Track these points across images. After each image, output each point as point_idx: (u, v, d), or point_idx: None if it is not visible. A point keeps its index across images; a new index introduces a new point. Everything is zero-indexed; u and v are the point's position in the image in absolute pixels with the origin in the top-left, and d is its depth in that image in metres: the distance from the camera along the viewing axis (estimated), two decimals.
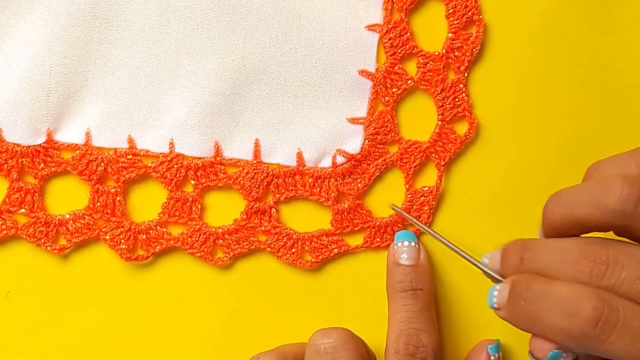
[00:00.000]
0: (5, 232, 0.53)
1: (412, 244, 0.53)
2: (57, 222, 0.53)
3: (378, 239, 0.54)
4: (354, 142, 0.54)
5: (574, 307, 0.39)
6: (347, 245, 0.54)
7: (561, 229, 0.42)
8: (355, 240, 0.54)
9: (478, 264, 0.46)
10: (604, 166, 0.43)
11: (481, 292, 0.47)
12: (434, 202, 0.54)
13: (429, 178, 0.54)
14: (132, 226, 0.54)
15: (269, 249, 0.54)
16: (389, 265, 0.53)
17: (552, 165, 0.54)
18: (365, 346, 0.50)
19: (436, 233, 0.51)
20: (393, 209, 0.54)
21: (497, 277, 0.44)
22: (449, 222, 0.54)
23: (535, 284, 0.41)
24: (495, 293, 0.43)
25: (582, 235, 0.42)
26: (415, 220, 0.53)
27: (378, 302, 0.53)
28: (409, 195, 0.54)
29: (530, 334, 0.42)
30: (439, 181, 0.54)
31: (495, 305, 0.43)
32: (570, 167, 0.53)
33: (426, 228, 0.52)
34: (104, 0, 0.52)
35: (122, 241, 0.53)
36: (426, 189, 0.54)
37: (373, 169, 0.54)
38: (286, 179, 0.54)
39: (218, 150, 0.54)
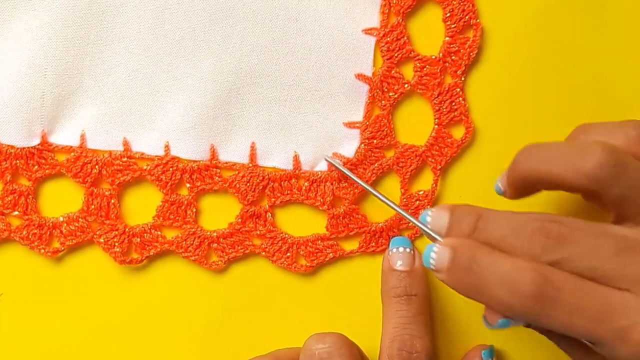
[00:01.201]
0: None
1: (407, 250, 0.52)
2: (50, 224, 0.53)
3: (373, 244, 0.54)
4: (350, 146, 0.54)
5: (515, 282, 0.40)
6: (342, 250, 0.54)
7: (529, 182, 0.43)
8: (351, 245, 0.54)
9: (417, 223, 0.45)
10: (591, 130, 0.44)
11: None
12: (429, 206, 0.54)
13: (425, 182, 0.54)
14: (127, 229, 0.53)
15: (263, 253, 0.54)
16: (384, 270, 0.52)
17: None
18: (359, 351, 0.50)
19: (371, 187, 0.51)
20: (326, 159, 0.53)
21: (437, 237, 0.44)
22: None
23: (481, 254, 0.41)
24: (433, 255, 0.43)
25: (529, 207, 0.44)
26: (348, 171, 0.52)
27: (373, 307, 0.53)
28: (404, 200, 0.54)
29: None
30: (434, 185, 0.54)
31: (433, 267, 0.43)
32: None
33: (359, 181, 0.52)
34: (99, 2, 0.52)
35: (116, 244, 0.53)
36: (421, 192, 0.54)
37: (369, 174, 0.54)
38: (282, 183, 0.54)
39: (214, 154, 0.53)
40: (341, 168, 0.52)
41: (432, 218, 0.44)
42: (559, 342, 0.44)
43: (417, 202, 0.54)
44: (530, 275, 0.40)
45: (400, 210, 0.49)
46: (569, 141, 0.44)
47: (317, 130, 0.54)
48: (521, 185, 0.44)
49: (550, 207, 0.47)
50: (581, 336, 0.40)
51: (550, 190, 0.43)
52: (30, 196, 0.53)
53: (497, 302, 0.41)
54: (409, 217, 0.47)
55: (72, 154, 0.53)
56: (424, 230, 0.44)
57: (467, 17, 0.53)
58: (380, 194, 0.50)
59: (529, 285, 0.40)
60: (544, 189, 0.43)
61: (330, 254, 0.54)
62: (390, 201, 0.49)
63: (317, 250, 0.54)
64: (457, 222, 0.43)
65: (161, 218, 0.53)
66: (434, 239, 0.44)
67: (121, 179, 0.53)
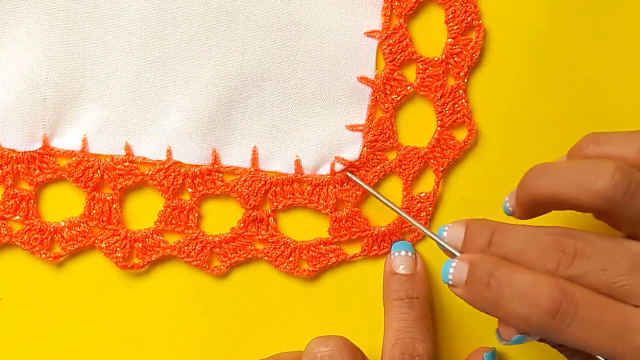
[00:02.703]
0: None
1: (409, 254, 0.52)
2: (52, 229, 0.53)
3: (375, 248, 0.53)
4: (353, 149, 0.53)
5: (533, 297, 0.39)
6: (344, 254, 0.53)
7: (539, 202, 0.42)
8: (353, 249, 0.54)
9: (434, 237, 0.45)
10: (602, 140, 0.42)
11: None
12: (430, 208, 0.53)
13: (427, 184, 0.54)
14: (128, 234, 0.53)
15: (266, 257, 0.53)
16: (386, 274, 0.52)
17: None
18: (361, 355, 0.49)
19: (382, 196, 0.51)
20: (348, 175, 0.53)
21: (455, 252, 0.43)
22: None
23: (498, 269, 0.41)
24: (451, 270, 0.42)
25: (547, 221, 0.43)
26: (369, 187, 0.52)
27: (375, 310, 0.53)
28: (406, 202, 0.53)
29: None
30: (436, 187, 0.53)
31: (451, 282, 0.43)
32: None
33: (377, 193, 0.52)
34: (102, 6, 0.52)
35: (118, 249, 0.53)
36: (423, 194, 0.53)
37: (372, 176, 0.53)
38: (284, 187, 0.53)
39: (216, 158, 0.53)
40: (368, 188, 0.52)
41: (448, 233, 0.44)
42: (571, 357, 0.44)
43: (419, 204, 0.53)
44: (549, 290, 0.39)
45: (422, 228, 0.48)
46: (577, 151, 0.43)
47: (320, 134, 0.53)
48: (531, 206, 0.43)
49: (561, 219, 0.47)
50: (598, 353, 0.40)
51: (561, 210, 0.42)
52: (32, 201, 0.53)
53: (514, 317, 0.40)
54: (427, 232, 0.47)
55: (74, 158, 0.53)
56: (441, 246, 0.44)
57: (469, 19, 0.53)
58: (406, 213, 0.51)
59: (547, 300, 0.39)
60: (555, 209, 0.43)
61: (333, 259, 0.53)
62: (416, 221, 0.49)
63: (319, 255, 0.53)
64: (472, 236, 0.43)
65: (163, 223, 0.53)
66: (452, 255, 0.43)
67: (123, 183, 0.53)
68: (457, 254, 0.43)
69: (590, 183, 0.40)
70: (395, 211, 0.50)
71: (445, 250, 0.44)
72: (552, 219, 0.44)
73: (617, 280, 0.40)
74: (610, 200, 0.39)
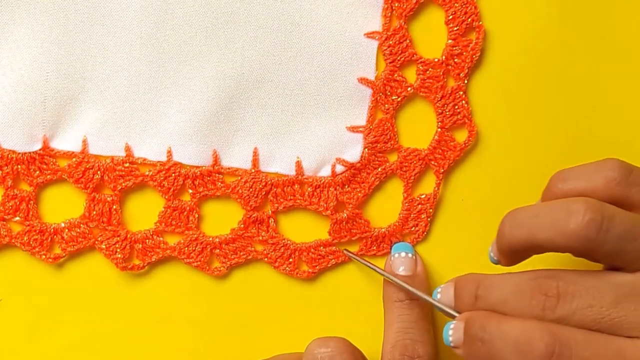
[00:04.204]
0: None
1: (409, 255, 0.52)
2: (52, 230, 0.53)
3: (374, 248, 0.53)
4: (354, 151, 0.53)
5: (526, 346, 0.39)
6: (343, 255, 0.53)
7: (518, 249, 0.42)
8: (352, 249, 0.54)
9: (430, 300, 0.45)
10: (568, 176, 0.43)
11: None
12: (431, 210, 0.53)
13: (428, 186, 0.54)
14: (128, 235, 0.53)
15: (266, 259, 0.53)
16: None
17: (551, 173, 0.53)
18: (362, 356, 0.49)
19: (386, 272, 0.51)
20: (345, 253, 0.53)
21: (451, 312, 0.44)
22: (446, 229, 0.54)
23: (489, 323, 0.41)
24: (451, 332, 0.43)
25: (532, 269, 0.43)
26: (367, 262, 0.52)
27: (375, 312, 0.53)
28: (407, 204, 0.53)
29: None
30: (437, 189, 0.53)
31: (452, 344, 0.43)
32: None
33: (379, 269, 0.51)
34: (102, 7, 0.52)
35: (118, 250, 0.53)
36: (424, 196, 0.53)
37: (373, 178, 0.53)
38: (285, 188, 0.53)
39: (216, 159, 0.53)
40: (363, 261, 0.52)
41: (441, 295, 0.45)
42: None
43: (420, 205, 0.53)
44: (539, 335, 0.39)
45: (420, 294, 0.48)
46: (548, 192, 0.43)
47: (320, 135, 0.53)
48: (511, 254, 0.43)
49: (549, 258, 0.47)
50: None
51: (544, 253, 0.42)
52: (32, 202, 0.53)
53: None
54: (427, 298, 0.47)
55: (74, 159, 0.53)
56: (440, 309, 0.44)
57: (469, 20, 0.53)
58: (394, 276, 0.51)
59: (540, 345, 0.39)
60: (535, 254, 0.43)
61: (333, 260, 0.53)
62: (410, 286, 0.49)
63: (319, 257, 0.53)
64: (460, 293, 0.44)
65: (163, 224, 0.53)
66: (451, 315, 0.44)
67: (123, 184, 0.53)
68: (456, 314, 0.43)
69: (563, 225, 0.40)
70: (402, 285, 0.50)
71: (445, 312, 0.44)
72: (541, 259, 0.44)
73: (604, 315, 0.40)
74: (585, 239, 0.39)
